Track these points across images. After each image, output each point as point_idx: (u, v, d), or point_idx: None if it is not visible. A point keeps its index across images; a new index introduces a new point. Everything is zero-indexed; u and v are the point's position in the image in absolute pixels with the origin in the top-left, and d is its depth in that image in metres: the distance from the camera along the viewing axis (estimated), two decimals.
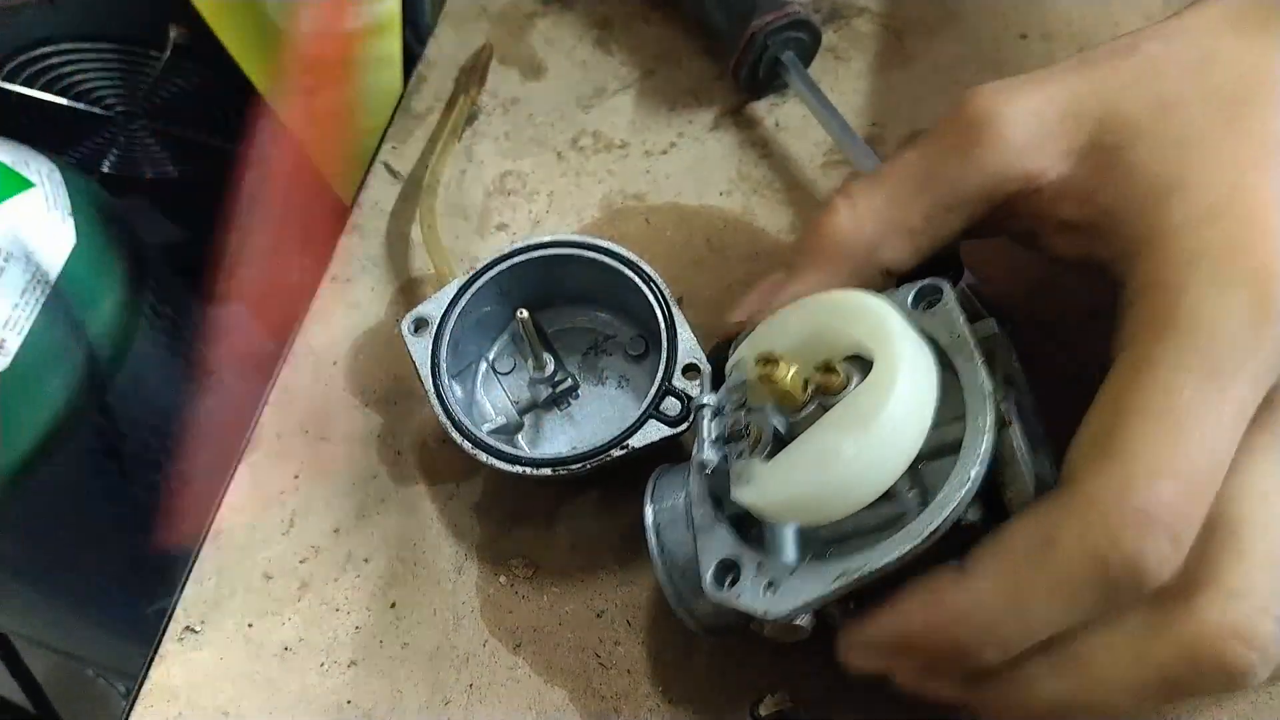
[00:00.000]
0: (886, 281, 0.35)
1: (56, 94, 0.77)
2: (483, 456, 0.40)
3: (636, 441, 0.39)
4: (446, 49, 0.60)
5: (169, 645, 0.43)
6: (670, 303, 0.41)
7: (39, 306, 0.57)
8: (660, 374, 0.40)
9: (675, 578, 0.36)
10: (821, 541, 0.32)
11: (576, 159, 0.54)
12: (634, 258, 0.43)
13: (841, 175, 0.52)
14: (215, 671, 0.42)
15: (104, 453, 0.59)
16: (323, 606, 0.43)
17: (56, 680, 0.70)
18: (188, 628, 0.43)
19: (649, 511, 0.36)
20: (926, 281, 0.34)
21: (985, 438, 0.30)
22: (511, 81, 0.58)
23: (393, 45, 0.62)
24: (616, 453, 0.39)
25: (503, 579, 0.42)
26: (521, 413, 0.44)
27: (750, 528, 0.33)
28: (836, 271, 0.35)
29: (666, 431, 0.39)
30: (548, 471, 0.39)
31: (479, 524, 0.44)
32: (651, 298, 0.42)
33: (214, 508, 0.46)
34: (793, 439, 0.31)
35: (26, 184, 0.61)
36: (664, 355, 0.40)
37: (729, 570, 0.32)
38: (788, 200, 0.52)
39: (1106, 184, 0.32)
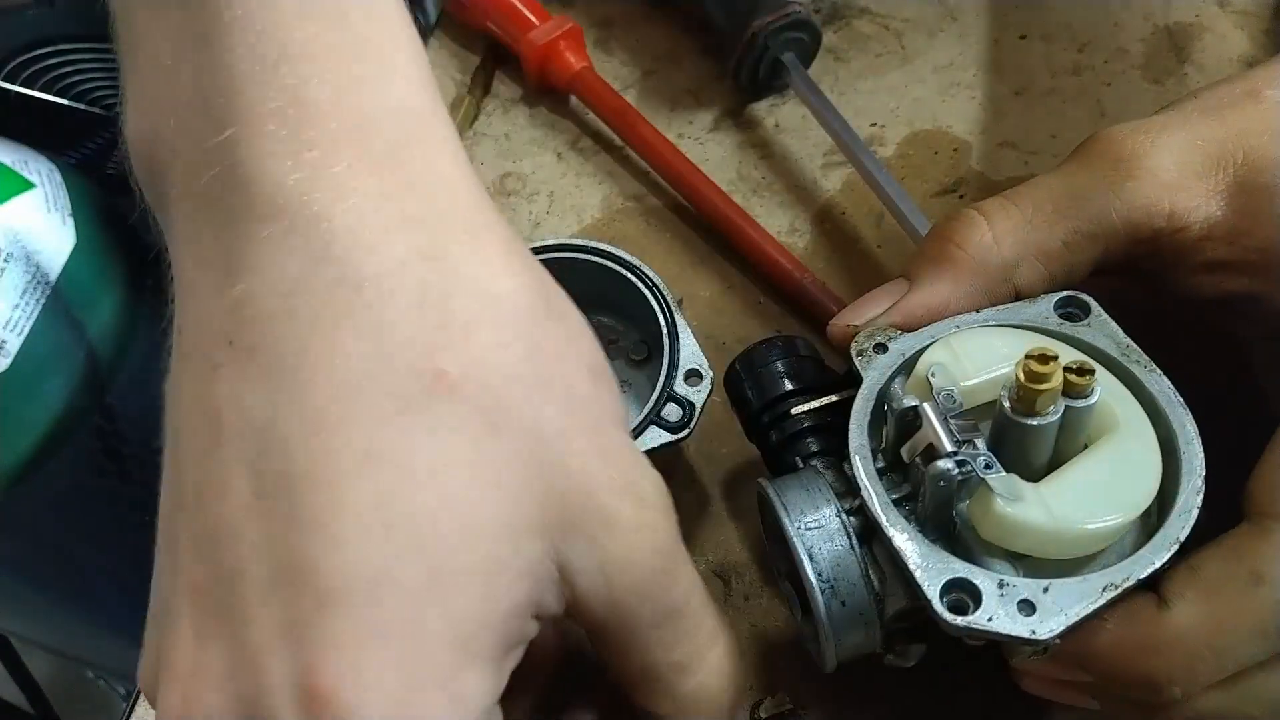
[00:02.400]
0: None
1: (57, 95, 0.77)
2: None
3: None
4: (447, 50, 0.60)
5: None
6: (673, 308, 0.41)
7: (39, 308, 0.57)
8: (662, 380, 0.40)
9: (834, 607, 0.32)
10: (1014, 556, 0.31)
11: (576, 160, 0.54)
12: (636, 261, 0.43)
13: (842, 176, 0.52)
14: None
15: (104, 454, 0.59)
16: None
17: (57, 682, 0.70)
18: None
19: (793, 531, 0.32)
20: (1068, 293, 0.35)
21: (1198, 444, 0.31)
22: (512, 83, 0.58)
23: None
24: None
25: None
26: None
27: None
28: (969, 286, 0.35)
29: (667, 438, 0.39)
30: None
31: None
32: (654, 303, 0.42)
33: None
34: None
35: (27, 185, 0.61)
36: (665, 361, 0.40)
37: (961, 592, 0.29)
38: (788, 201, 0.52)
39: (1261, 223, 0.33)
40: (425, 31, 0.62)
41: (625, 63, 0.58)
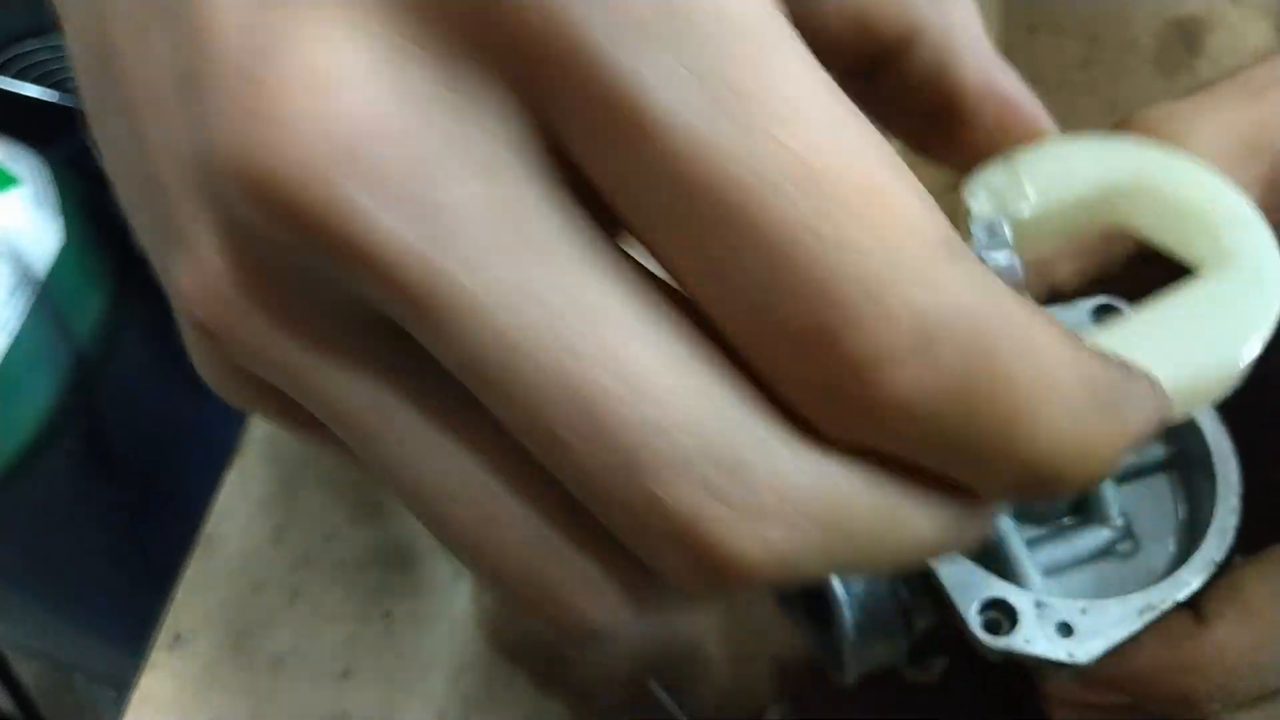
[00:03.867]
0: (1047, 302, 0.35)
1: (44, 88, 0.76)
2: None
3: None
4: None
5: (159, 654, 0.42)
6: None
7: (26, 306, 0.56)
8: None
9: (860, 621, 0.31)
10: (1045, 573, 0.30)
11: None
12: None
13: None
14: (205, 681, 0.41)
15: (91, 456, 0.58)
16: (315, 616, 0.42)
17: (45, 688, 0.69)
18: (178, 636, 0.42)
19: None
20: (1103, 299, 0.33)
21: (1235, 461, 0.30)
22: None
23: None
24: None
25: None
26: None
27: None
28: None
29: None
30: None
31: None
32: None
33: (204, 514, 0.45)
34: None
35: (13, 180, 0.60)
36: None
37: (997, 612, 0.28)
38: None
39: None
40: None
41: None
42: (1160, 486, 0.33)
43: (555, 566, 0.17)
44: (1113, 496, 0.32)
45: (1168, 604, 0.28)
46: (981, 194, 0.24)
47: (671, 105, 0.14)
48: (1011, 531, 0.31)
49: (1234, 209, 0.25)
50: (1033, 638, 0.27)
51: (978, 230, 0.24)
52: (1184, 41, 0.54)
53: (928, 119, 0.25)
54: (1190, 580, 0.28)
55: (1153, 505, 0.32)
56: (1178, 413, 0.24)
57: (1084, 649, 0.27)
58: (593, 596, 0.17)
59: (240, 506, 0.45)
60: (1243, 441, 0.31)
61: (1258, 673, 0.27)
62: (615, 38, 0.14)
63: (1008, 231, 0.24)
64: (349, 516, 0.44)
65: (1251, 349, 0.23)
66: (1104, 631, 0.28)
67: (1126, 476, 0.33)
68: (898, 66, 0.23)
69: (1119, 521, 0.32)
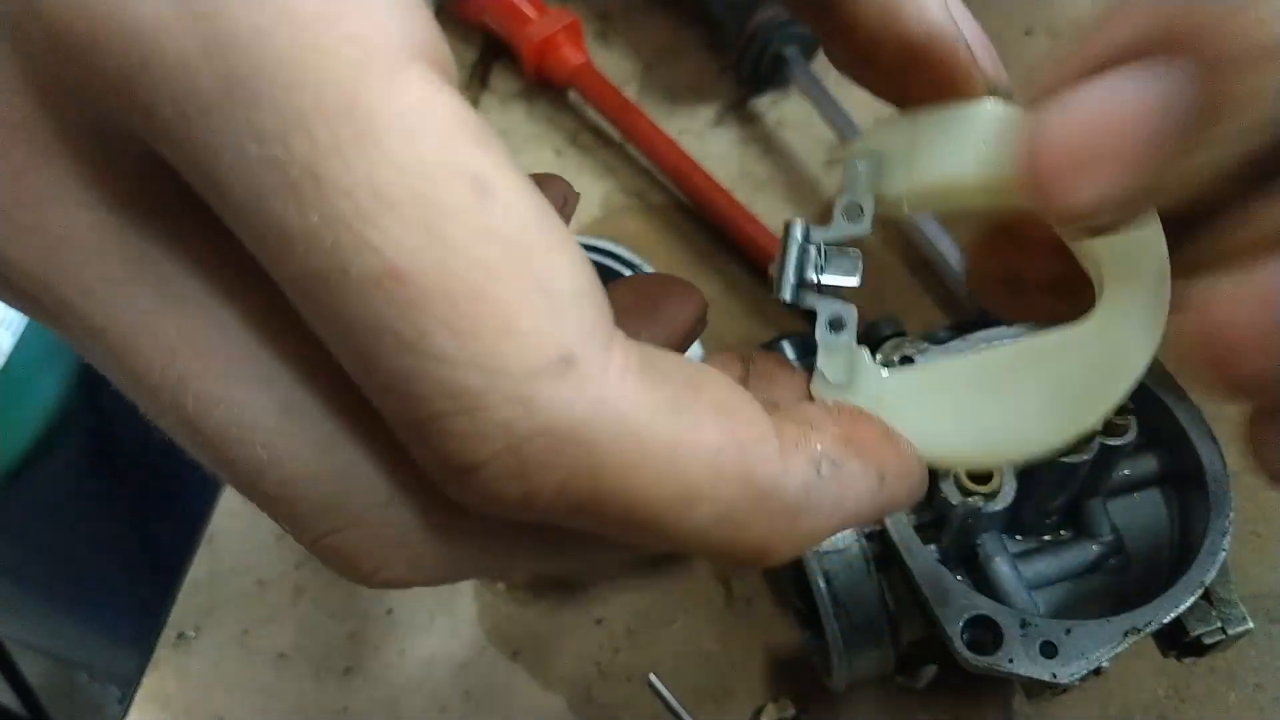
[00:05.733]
0: None
1: None
2: None
3: None
4: None
5: (163, 651, 0.42)
6: None
7: None
8: None
9: (848, 632, 0.31)
10: (1033, 587, 0.31)
11: (576, 156, 0.54)
12: (636, 259, 0.42)
13: None
14: (210, 678, 0.41)
15: (97, 454, 0.58)
16: (318, 613, 0.42)
17: (51, 685, 0.69)
18: (182, 634, 0.42)
19: (810, 554, 0.31)
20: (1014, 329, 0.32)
21: (1228, 481, 0.30)
22: (509, 77, 0.57)
23: None
24: None
25: (501, 585, 0.42)
26: None
27: (957, 566, 0.31)
28: None
29: None
30: None
31: None
32: None
33: (208, 512, 0.45)
34: None
35: None
36: None
37: (983, 630, 0.29)
38: (790, 197, 0.51)
39: None
40: None
41: (625, 57, 0.57)
42: (1156, 502, 0.33)
43: None
44: (1102, 512, 0.32)
45: (1153, 626, 0.28)
46: (856, 165, 0.23)
47: (249, 191, 0.13)
48: (1000, 550, 0.31)
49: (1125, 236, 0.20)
50: (1016, 657, 0.28)
51: (837, 211, 0.23)
52: None
53: (883, 67, 0.24)
54: (1177, 602, 0.28)
55: (1148, 521, 0.32)
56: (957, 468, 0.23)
57: (1066, 670, 0.28)
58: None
59: (244, 505, 0.44)
60: None
61: None
62: (190, 116, 0.13)
63: (867, 212, 0.23)
64: None
65: (1084, 423, 0.20)
66: (1088, 652, 0.28)
67: (1119, 490, 0.33)
68: (849, 13, 0.23)
69: (1109, 537, 0.31)
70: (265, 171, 0.13)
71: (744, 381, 0.23)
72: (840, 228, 0.23)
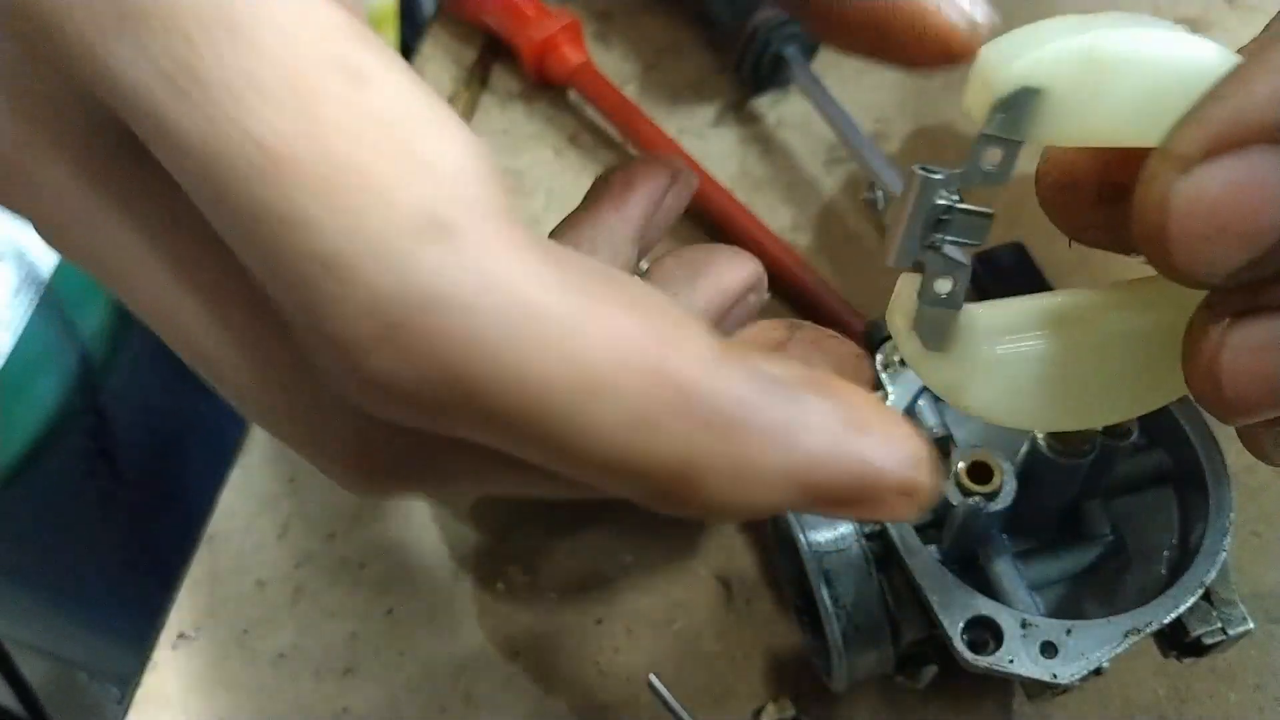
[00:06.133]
0: None
1: None
2: None
3: None
4: (443, 44, 0.59)
5: (163, 651, 0.42)
6: None
7: (31, 307, 0.56)
8: None
9: (848, 632, 0.31)
10: (1034, 587, 0.31)
11: (575, 156, 0.54)
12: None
13: (845, 173, 0.51)
14: (209, 678, 0.41)
15: (97, 455, 0.58)
16: (318, 613, 0.42)
17: (49, 685, 0.69)
18: (181, 634, 0.42)
19: (810, 553, 0.31)
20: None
21: (1228, 483, 0.30)
22: (509, 77, 0.57)
23: (389, 40, 0.61)
24: None
25: (500, 585, 0.42)
26: None
27: (963, 569, 0.31)
28: None
29: None
30: None
31: (476, 529, 0.43)
32: None
33: (208, 512, 0.45)
34: None
35: None
36: None
37: (983, 630, 0.28)
38: (790, 198, 0.51)
39: None
40: (421, 25, 0.61)
41: (625, 57, 0.57)
42: (1157, 502, 0.33)
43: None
44: (1102, 513, 0.32)
45: (1153, 626, 0.28)
46: (1013, 98, 0.20)
47: (138, 88, 0.15)
48: (1001, 550, 0.31)
49: None
50: (1016, 657, 0.28)
51: (975, 158, 0.20)
52: None
53: (863, 39, 0.23)
54: (1177, 603, 0.28)
55: (1149, 521, 0.32)
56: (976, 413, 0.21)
57: (1067, 670, 0.27)
58: None
59: (244, 505, 0.45)
60: None
61: None
62: (96, 45, 0.15)
63: (1010, 160, 0.20)
64: (351, 515, 0.44)
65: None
66: (1088, 653, 0.28)
67: (1119, 490, 0.32)
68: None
69: (1109, 537, 0.31)
70: (158, 84, 0.14)
71: (783, 346, 0.23)
72: (976, 177, 0.20)
